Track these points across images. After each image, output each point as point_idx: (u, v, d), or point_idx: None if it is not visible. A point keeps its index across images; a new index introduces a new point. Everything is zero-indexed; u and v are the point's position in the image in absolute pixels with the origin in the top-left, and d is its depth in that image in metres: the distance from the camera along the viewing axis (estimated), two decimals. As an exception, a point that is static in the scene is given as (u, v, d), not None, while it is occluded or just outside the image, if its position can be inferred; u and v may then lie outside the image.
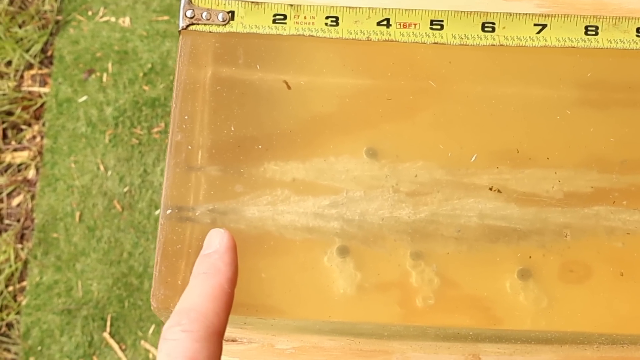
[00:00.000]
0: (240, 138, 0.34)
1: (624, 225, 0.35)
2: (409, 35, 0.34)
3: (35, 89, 1.10)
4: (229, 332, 0.42)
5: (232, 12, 0.34)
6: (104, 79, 1.08)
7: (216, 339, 0.26)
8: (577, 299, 0.34)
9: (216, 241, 0.28)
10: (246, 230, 0.34)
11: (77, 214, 1.02)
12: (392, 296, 0.34)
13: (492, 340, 0.37)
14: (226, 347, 0.44)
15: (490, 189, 0.35)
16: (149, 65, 1.08)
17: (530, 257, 0.35)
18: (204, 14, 0.34)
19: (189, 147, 0.33)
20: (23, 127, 1.09)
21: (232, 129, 0.34)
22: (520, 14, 0.34)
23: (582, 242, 0.35)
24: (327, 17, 0.34)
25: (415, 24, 0.34)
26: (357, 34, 0.34)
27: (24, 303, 0.99)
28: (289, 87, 0.35)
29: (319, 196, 0.35)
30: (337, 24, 0.34)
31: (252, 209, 0.34)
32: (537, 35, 0.35)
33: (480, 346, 0.42)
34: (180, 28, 0.34)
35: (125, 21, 1.11)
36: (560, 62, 0.36)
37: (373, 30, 0.34)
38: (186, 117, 0.33)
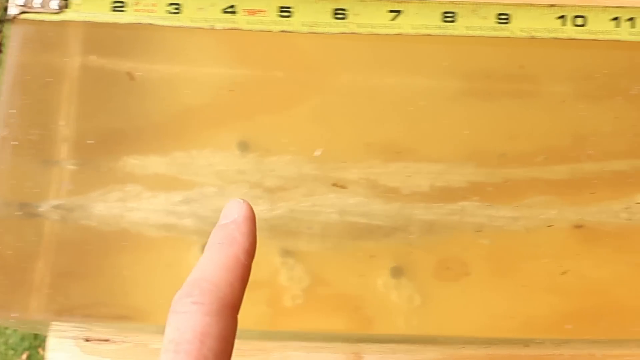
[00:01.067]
0: (96, 131, 0.33)
1: (489, 222, 0.34)
2: (256, 23, 0.33)
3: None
4: (102, 334, 0.40)
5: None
6: None
7: (229, 312, 0.23)
8: (451, 298, 0.33)
9: (234, 211, 0.26)
10: (98, 227, 0.32)
11: None
12: (260, 296, 0.33)
13: (372, 340, 0.36)
14: (99, 346, 0.42)
15: (334, 184, 0.33)
16: None
17: (403, 254, 0.34)
18: (36, 1, 0.32)
19: (16, 143, 0.31)
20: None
21: (77, 122, 0.32)
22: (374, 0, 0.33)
23: (450, 239, 0.34)
24: (169, 4, 0.32)
25: (262, 11, 0.32)
26: (200, 22, 0.32)
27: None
28: (132, 79, 0.33)
29: (172, 192, 0.33)
30: (179, 12, 0.32)
31: (100, 206, 0.32)
32: (392, 22, 0.33)
33: (362, 346, 0.40)
34: (9, 16, 0.32)
35: None
36: (445, 52, 0.35)
37: (217, 18, 0.32)
38: (14, 111, 0.31)
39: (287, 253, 0.34)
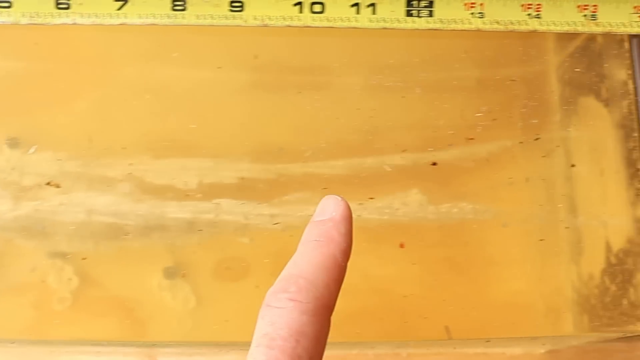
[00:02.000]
0: None
1: (245, 220, 0.33)
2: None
3: None
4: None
5: None
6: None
7: (326, 313, 0.23)
8: (229, 299, 0.32)
9: (331, 208, 0.25)
10: None
11: None
12: (26, 300, 0.32)
13: (161, 345, 0.35)
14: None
15: (48, 183, 0.32)
16: None
17: (173, 254, 0.33)
18: None
19: None
20: None
21: None
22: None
23: (214, 238, 0.33)
24: None
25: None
26: None
27: None
28: None
29: None
30: None
31: None
32: (117, 11, 0.32)
33: (155, 349, 0.40)
34: None
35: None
36: (232, 43, 0.34)
37: None
38: None
39: (53, 255, 0.33)
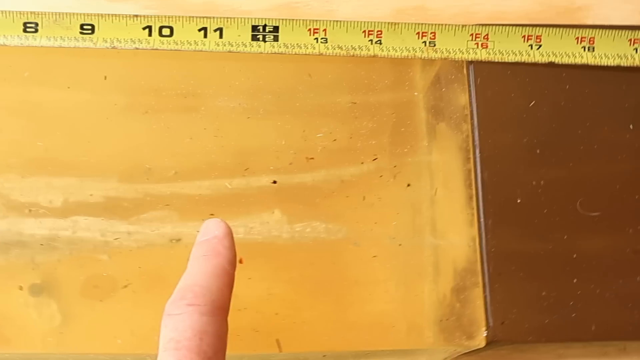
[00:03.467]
0: None
1: (102, 237, 0.34)
2: None
3: None
4: None
5: None
6: None
7: (222, 314, 0.25)
8: (95, 315, 0.33)
9: (213, 228, 0.28)
10: None
11: None
12: None
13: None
14: None
15: None
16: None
17: (39, 270, 0.33)
18: None
19: None
20: None
21: None
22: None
23: (73, 255, 0.33)
24: None
25: None
26: None
27: None
28: None
29: None
30: None
31: None
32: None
33: None
34: None
35: None
36: (105, 65, 0.35)
37: None
38: None
39: None
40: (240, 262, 0.33)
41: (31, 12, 0.34)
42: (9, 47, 0.33)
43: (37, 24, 0.33)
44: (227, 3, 0.37)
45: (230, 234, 0.28)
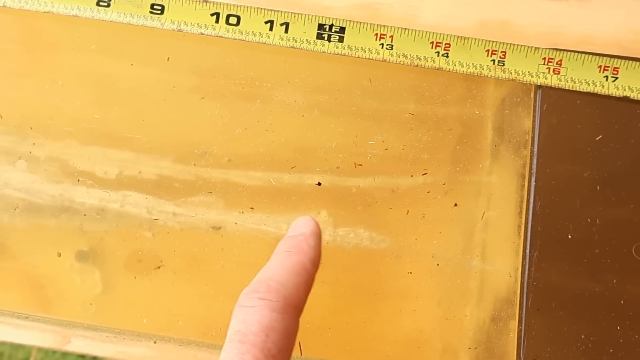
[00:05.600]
0: None
1: (149, 214, 0.34)
2: None
3: None
4: None
5: None
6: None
7: (294, 312, 0.25)
8: (135, 290, 0.34)
9: (302, 225, 0.28)
10: None
11: None
12: None
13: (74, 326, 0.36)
14: None
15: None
16: None
17: (86, 238, 0.34)
18: None
19: None
20: None
21: None
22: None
23: (120, 228, 0.34)
24: None
25: None
26: None
27: None
28: None
29: None
30: None
31: None
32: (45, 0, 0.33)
33: (69, 330, 0.41)
34: None
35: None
36: (180, 48, 0.35)
37: None
38: None
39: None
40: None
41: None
42: (81, 18, 0.34)
43: (110, -1, 0.34)
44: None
45: (317, 233, 0.28)
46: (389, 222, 0.33)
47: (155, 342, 0.34)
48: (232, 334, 0.23)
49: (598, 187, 0.33)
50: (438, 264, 0.33)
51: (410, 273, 0.33)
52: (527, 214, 0.33)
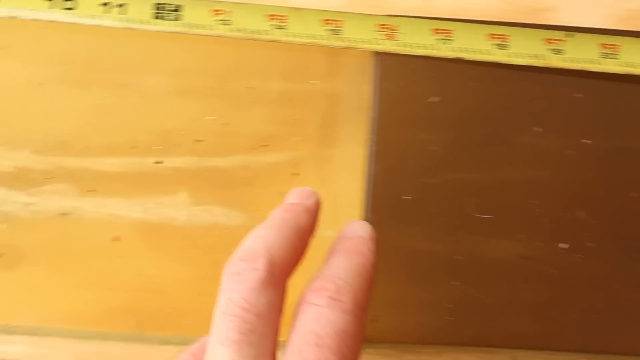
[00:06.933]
0: None
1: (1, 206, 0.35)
2: None
3: None
4: None
5: None
6: None
7: (364, 315, 0.24)
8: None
9: (357, 228, 0.27)
10: None
11: None
12: None
13: None
14: None
15: None
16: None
17: None
18: None
19: None
20: None
21: None
22: None
23: None
24: None
25: None
26: None
27: None
28: None
29: None
30: None
31: None
32: None
33: None
34: None
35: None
36: (43, 36, 0.35)
37: None
38: None
39: None
40: (117, 240, 0.34)
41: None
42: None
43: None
44: None
45: (375, 238, 0.27)
46: (242, 197, 0.34)
47: (28, 336, 0.35)
48: (305, 334, 0.22)
49: (434, 148, 0.34)
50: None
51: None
52: (367, 179, 0.34)
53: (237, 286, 0.23)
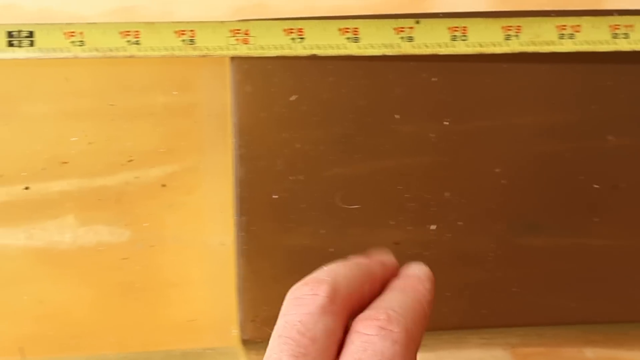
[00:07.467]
0: None
1: None
2: None
3: None
4: None
5: None
6: None
7: (414, 348, 0.23)
8: None
9: (415, 269, 0.27)
10: None
11: None
12: None
13: None
14: None
15: None
16: None
17: None
18: None
19: None
20: None
21: None
22: None
23: None
24: None
25: None
26: None
27: None
28: None
29: None
30: None
31: None
32: None
33: None
34: None
35: None
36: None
37: None
38: None
39: None
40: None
41: None
42: None
43: None
44: (64, 9, 0.36)
45: (432, 280, 0.26)
46: (101, 214, 0.35)
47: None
48: None
49: (297, 145, 0.35)
50: (152, 246, 0.34)
51: (126, 259, 0.34)
52: (234, 182, 0.34)
53: (295, 310, 0.22)
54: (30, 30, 0.34)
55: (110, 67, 0.35)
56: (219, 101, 0.35)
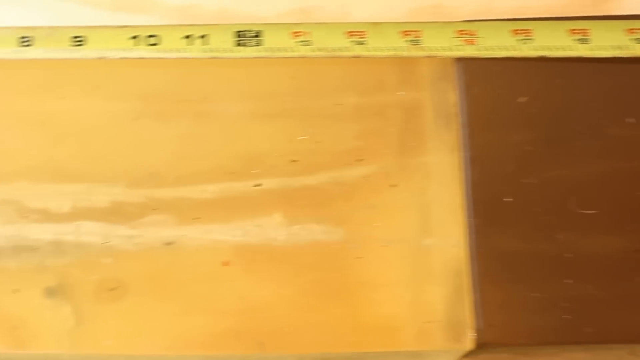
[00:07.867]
0: None
1: (105, 240, 0.35)
2: None
3: None
4: None
5: None
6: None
7: None
8: (108, 317, 0.34)
9: None
10: None
11: None
12: None
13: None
14: None
15: None
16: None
17: (49, 273, 0.35)
18: None
19: None
20: None
21: None
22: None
23: (77, 259, 0.35)
24: None
25: None
26: None
27: None
28: None
29: None
30: None
31: None
32: None
33: None
34: None
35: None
36: (119, 73, 0.36)
37: None
38: None
39: None
40: (227, 264, 0.34)
41: (26, 27, 0.35)
42: (6, 60, 0.35)
43: (31, 38, 0.35)
44: (243, 9, 0.37)
45: None
46: (333, 212, 0.34)
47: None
48: None
49: (529, 148, 0.34)
50: (387, 246, 0.33)
51: (360, 258, 0.33)
52: (465, 184, 0.33)
53: None
54: (258, 30, 0.35)
55: (327, 67, 0.35)
56: (443, 102, 0.35)
